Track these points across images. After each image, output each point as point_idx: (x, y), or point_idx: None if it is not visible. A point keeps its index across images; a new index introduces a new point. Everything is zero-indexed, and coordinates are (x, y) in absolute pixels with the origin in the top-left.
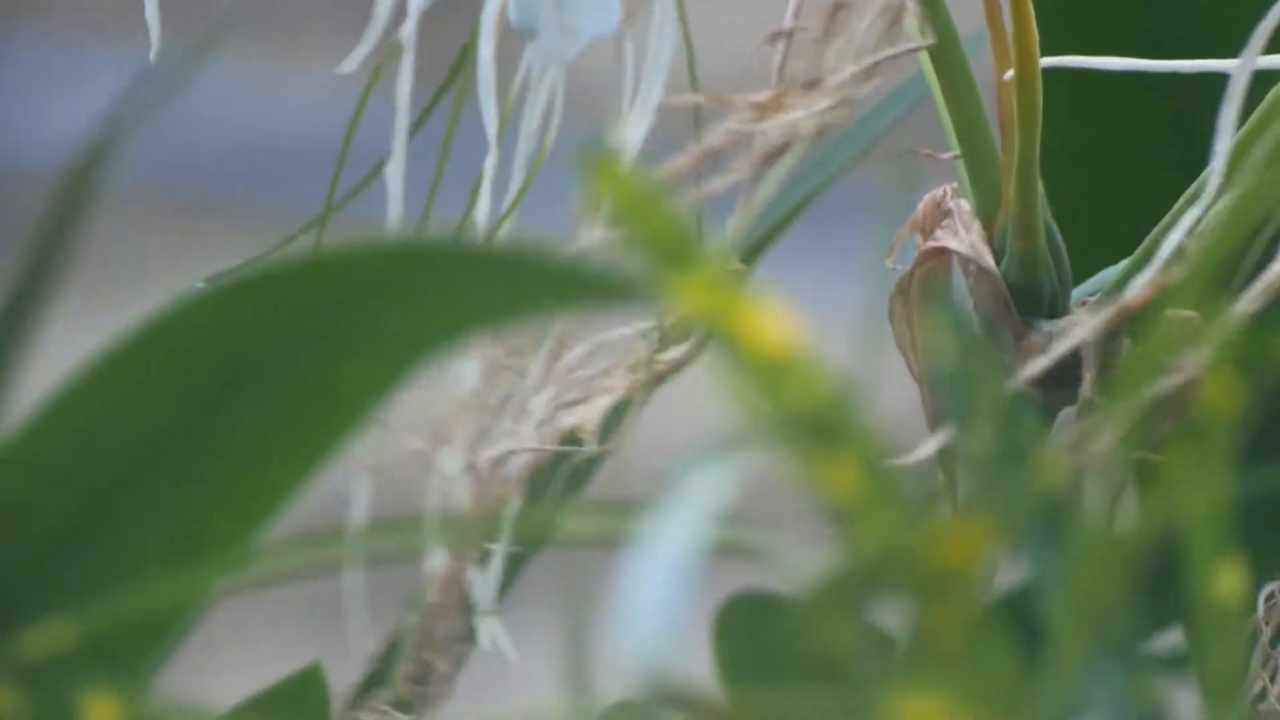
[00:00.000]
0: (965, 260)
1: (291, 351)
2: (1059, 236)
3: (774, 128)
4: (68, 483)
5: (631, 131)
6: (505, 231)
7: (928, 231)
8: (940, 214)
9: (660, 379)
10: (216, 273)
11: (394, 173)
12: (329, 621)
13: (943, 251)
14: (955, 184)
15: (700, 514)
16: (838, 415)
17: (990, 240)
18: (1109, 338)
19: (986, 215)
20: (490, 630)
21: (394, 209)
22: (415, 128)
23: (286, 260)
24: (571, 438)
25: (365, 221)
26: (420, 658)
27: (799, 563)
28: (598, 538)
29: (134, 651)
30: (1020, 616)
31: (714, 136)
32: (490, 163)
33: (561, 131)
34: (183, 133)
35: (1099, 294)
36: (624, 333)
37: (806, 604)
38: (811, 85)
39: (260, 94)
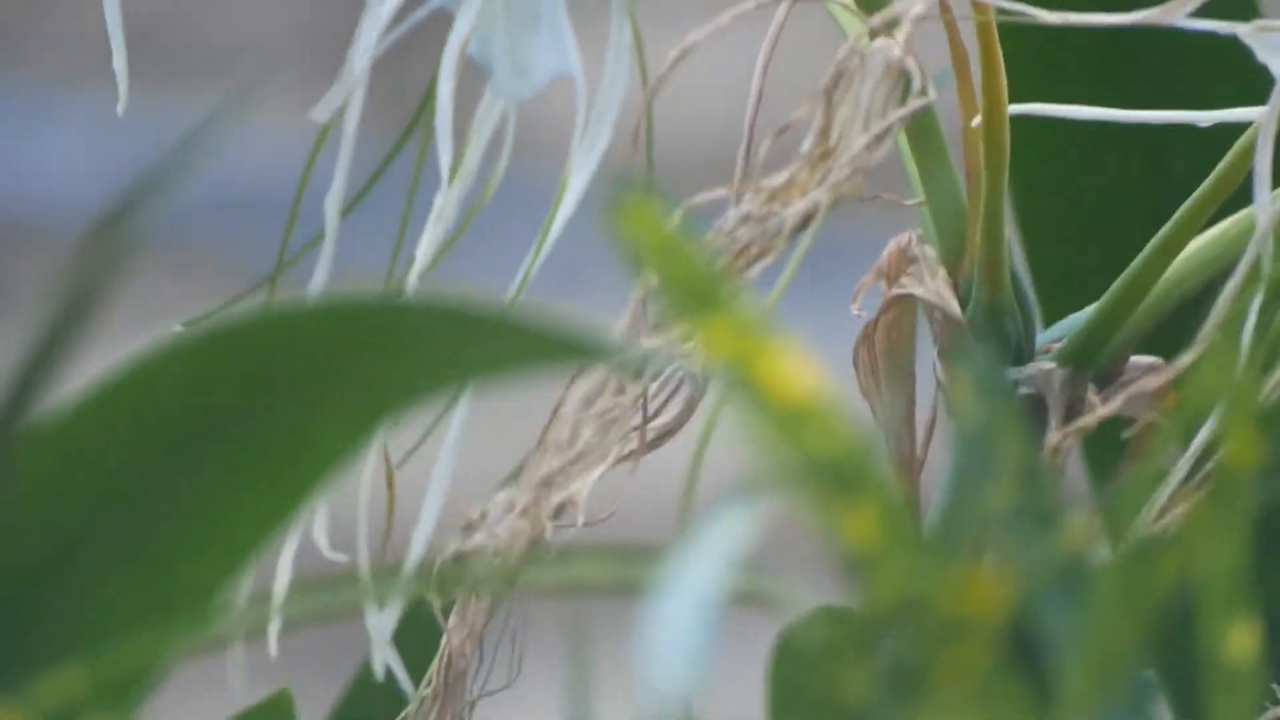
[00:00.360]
0: (930, 307)
1: (260, 405)
2: (1025, 283)
3: (792, 212)
4: (34, 533)
5: (579, 172)
6: (444, 271)
7: (892, 278)
8: (905, 261)
9: (651, 446)
10: (179, 322)
11: (331, 207)
12: (295, 670)
13: (908, 298)
14: (920, 230)
15: (721, 560)
16: (858, 463)
17: (955, 287)
18: (1074, 385)
19: (951, 262)
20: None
21: (329, 245)
22: (380, 169)
23: (257, 314)
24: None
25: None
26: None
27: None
28: (617, 584)
29: (106, 704)
30: (1032, 660)
31: (732, 222)
32: (440, 199)
33: (517, 171)
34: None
35: (1064, 340)
36: (616, 401)
37: (821, 650)
38: (824, 157)
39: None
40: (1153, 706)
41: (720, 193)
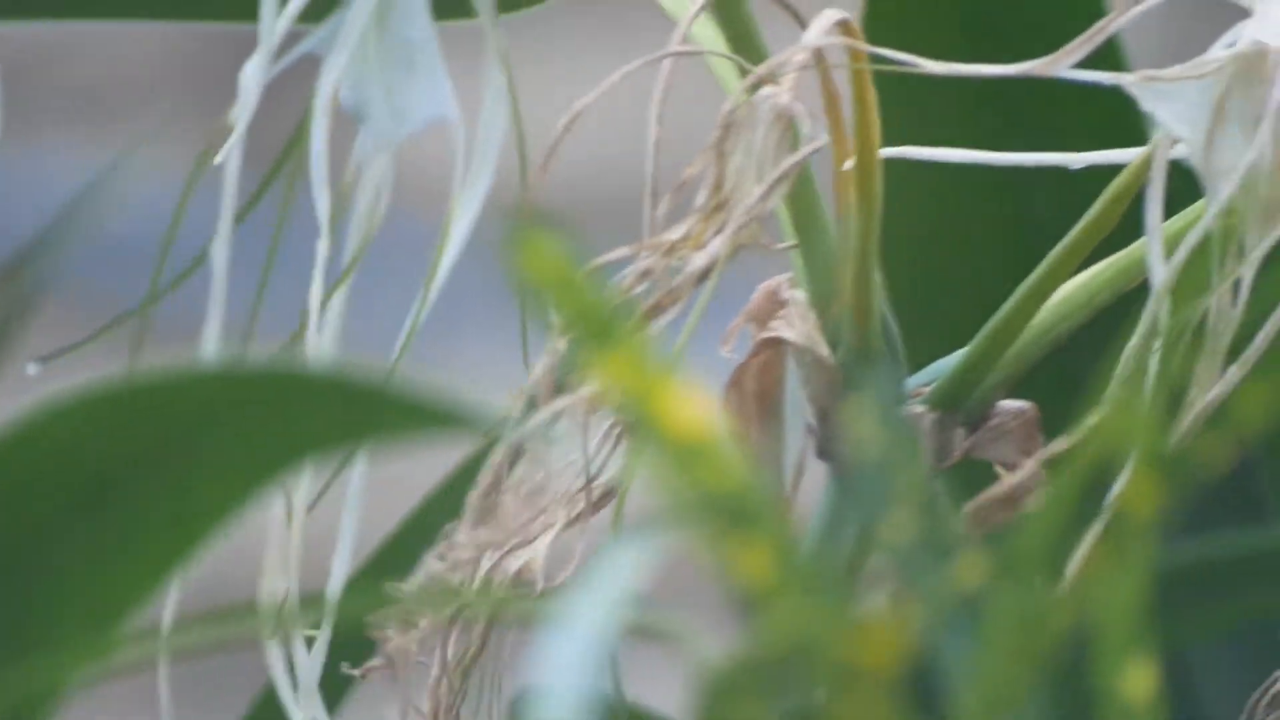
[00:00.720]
0: (800, 351)
1: (141, 469)
2: (894, 326)
3: (694, 266)
4: None
5: (461, 218)
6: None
7: (763, 322)
8: (775, 304)
9: (597, 505)
10: (39, 359)
11: (219, 257)
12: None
13: (778, 342)
14: (791, 274)
15: (616, 595)
16: (751, 500)
17: (825, 331)
18: (943, 429)
19: (822, 305)
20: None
21: (217, 296)
22: (244, 211)
23: (137, 378)
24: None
25: (193, 310)
26: None
27: (710, 646)
28: (514, 618)
29: None
30: (926, 699)
31: (631, 279)
32: (322, 248)
33: (396, 217)
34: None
35: (933, 384)
36: (557, 467)
37: (716, 689)
38: (718, 208)
39: (84, 178)
40: None
41: (621, 251)
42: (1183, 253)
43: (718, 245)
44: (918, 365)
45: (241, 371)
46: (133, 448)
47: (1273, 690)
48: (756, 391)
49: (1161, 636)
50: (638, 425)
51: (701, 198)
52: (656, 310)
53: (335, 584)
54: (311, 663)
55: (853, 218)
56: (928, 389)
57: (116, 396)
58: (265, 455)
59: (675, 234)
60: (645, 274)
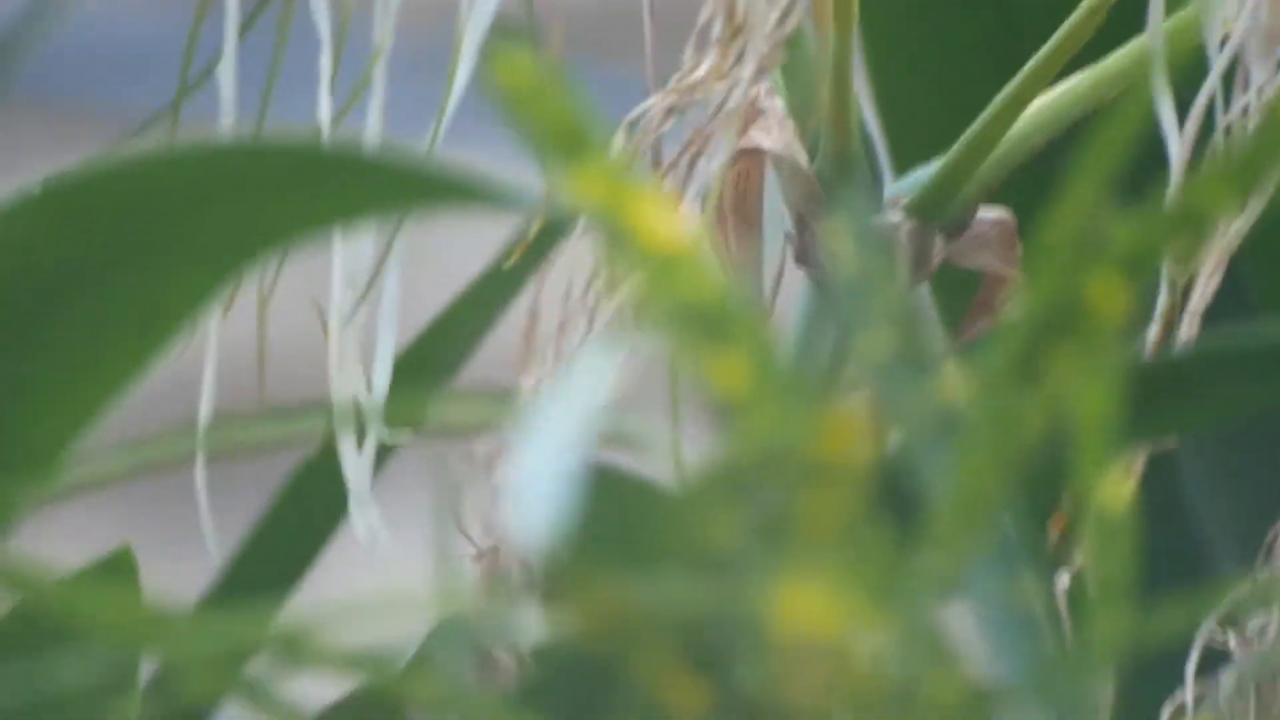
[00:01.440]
0: (779, 159)
1: (113, 258)
2: (873, 135)
3: (720, 93)
4: None
5: (471, 34)
6: (343, 134)
7: (741, 131)
8: (753, 113)
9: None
10: (39, 174)
11: (226, 73)
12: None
13: (756, 151)
14: (769, 83)
15: (586, 402)
16: (728, 309)
17: (803, 139)
18: (921, 238)
19: (800, 114)
20: (365, 516)
21: (226, 111)
22: (246, 26)
23: (107, 165)
24: None
25: (197, 124)
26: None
27: (684, 453)
28: (483, 425)
29: None
30: (900, 499)
31: (655, 119)
32: (325, 62)
33: (405, 32)
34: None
35: (912, 192)
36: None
37: (689, 494)
38: (735, 34)
39: None
40: (1017, 553)
41: (652, 98)
42: (1193, 119)
43: (742, 75)
44: (903, 175)
45: (205, 151)
46: (101, 237)
47: None
48: (734, 200)
49: (1149, 435)
50: (613, 237)
51: (717, 30)
52: (696, 152)
53: (379, 387)
54: (364, 464)
55: (830, 26)
56: (907, 198)
57: (82, 186)
58: (239, 236)
59: (699, 72)
60: (670, 112)
